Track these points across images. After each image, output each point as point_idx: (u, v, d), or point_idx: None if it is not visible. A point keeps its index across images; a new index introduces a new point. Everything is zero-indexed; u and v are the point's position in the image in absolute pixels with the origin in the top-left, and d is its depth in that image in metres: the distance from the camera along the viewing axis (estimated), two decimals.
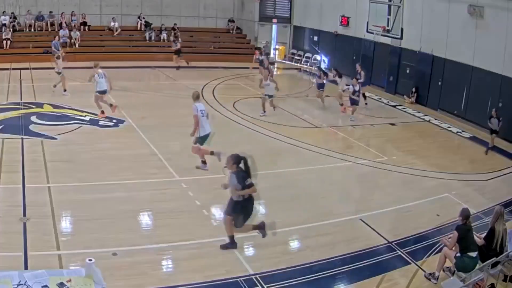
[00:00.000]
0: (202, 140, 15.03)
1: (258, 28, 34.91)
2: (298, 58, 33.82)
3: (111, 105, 20.22)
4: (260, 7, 34.47)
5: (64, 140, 17.38)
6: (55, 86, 23.01)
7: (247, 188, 10.21)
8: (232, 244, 10.77)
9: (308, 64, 33.17)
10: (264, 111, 21.73)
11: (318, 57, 32.79)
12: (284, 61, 34.12)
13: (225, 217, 10.78)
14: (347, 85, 23.09)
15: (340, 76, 24.09)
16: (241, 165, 10.41)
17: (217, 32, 35.39)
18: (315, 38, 33.04)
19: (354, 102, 22.07)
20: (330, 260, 10.63)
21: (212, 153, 15.11)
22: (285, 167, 16.23)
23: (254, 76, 27.05)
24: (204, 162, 15.36)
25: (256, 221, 10.92)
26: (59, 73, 23.15)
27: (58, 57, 23.26)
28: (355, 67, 24.37)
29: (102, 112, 19.97)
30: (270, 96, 21.92)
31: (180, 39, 31.97)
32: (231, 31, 35.64)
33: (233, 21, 35.64)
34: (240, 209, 10.46)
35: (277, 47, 34.89)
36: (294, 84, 30.10)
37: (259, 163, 15.34)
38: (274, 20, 34.60)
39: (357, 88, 21.72)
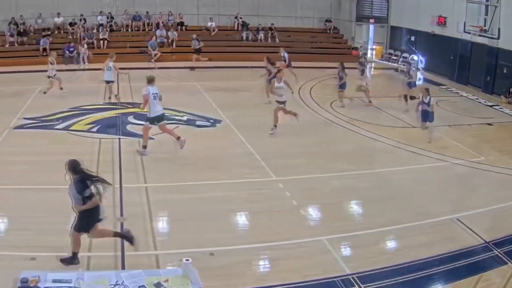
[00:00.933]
0: (152, 120, 16.24)
1: (355, 28, 34.87)
2: (395, 58, 33.60)
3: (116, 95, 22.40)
4: (357, 7, 34.66)
5: (160, 140, 17.60)
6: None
7: (88, 201, 9.67)
8: (73, 260, 10.16)
9: (401, 63, 32.70)
10: (275, 126, 18.66)
11: (415, 57, 32.50)
12: (381, 61, 33.73)
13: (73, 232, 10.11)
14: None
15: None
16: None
17: (314, 32, 35.43)
18: (412, 38, 32.90)
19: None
20: (427, 260, 10.52)
21: (178, 138, 16.31)
22: (381, 167, 16.21)
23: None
24: (144, 147, 16.27)
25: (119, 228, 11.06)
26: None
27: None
28: (452, 67, 23.77)
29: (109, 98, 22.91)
30: (282, 103, 18.68)
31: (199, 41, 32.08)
32: (328, 31, 35.55)
33: (330, 21, 35.73)
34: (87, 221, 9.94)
35: (374, 47, 34.58)
36: (391, 83, 29.65)
37: (356, 163, 15.45)
38: (371, 20, 34.54)
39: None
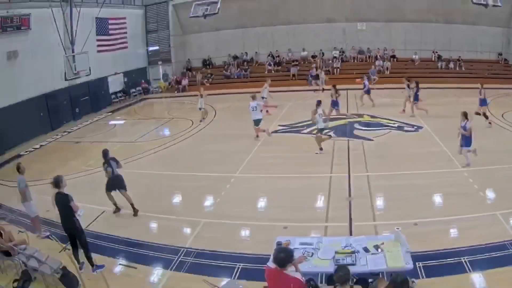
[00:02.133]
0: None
1: None
2: None
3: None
4: None
5: (378, 141, 17.89)
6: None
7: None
8: None
9: None
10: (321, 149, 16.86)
11: None
12: None
13: None
14: None
15: None
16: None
17: (490, 62, 32.68)
18: None
19: None
20: None
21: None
22: None
23: None
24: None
25: None
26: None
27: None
28: None
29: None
30: (322, 130, 17.11)
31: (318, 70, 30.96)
32: (500, 62, 32.61)
33: (501, 54, 32.72)
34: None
35: None
36: None
37: None
38: None
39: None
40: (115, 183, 12.33)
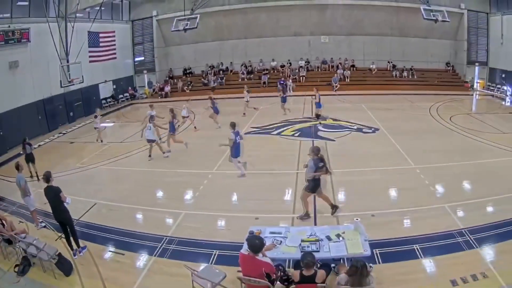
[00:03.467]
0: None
1: (466, 69, 32.48)
2: (492, 88, 30.19)
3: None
4: (467, 54, 32.16)
5: (339, 142, 17.96)
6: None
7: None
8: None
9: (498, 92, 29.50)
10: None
11: (505, 87, 29.13)
12: (484, 90, 30.77)
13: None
14: None
15: None
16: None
17: (439, 71, 33.49)
18: (503, 75, 29.32)
19: None
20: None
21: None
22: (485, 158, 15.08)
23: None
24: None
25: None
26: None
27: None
28: None
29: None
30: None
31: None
32: (448, 71, 33.44)
33: (449, 64, 33.47)
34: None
35: (478, 81, 31.96)
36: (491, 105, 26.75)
37: (470, 157, 14.48)
38: (476, 64, 31.64)
39: None
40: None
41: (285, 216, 11.04)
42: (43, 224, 11.53)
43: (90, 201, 12.80)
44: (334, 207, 10.95)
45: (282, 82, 32.52)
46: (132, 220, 11.65)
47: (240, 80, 35.15)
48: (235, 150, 13.86)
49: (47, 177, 9.58)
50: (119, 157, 17.67)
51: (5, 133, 20.89)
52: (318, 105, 22.03)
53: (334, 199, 11.72)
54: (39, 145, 21.39)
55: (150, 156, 16.92)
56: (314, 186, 10.49)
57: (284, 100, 24.17)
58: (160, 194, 13.55)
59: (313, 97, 22.20)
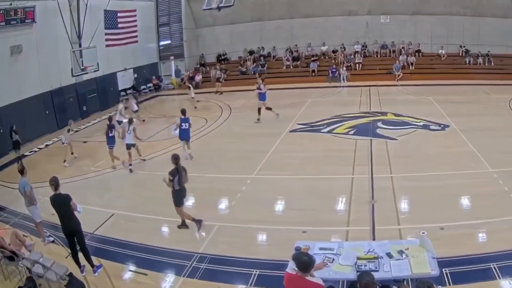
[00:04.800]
0: None
1: None
2: None
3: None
4: None
5: (402, 140, 17.79)
6: None
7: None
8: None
9: None
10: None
11: None
12: None
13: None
14: None
15: None
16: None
17: None
18: None
19: None
20: None
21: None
22: None
23: None
24: None
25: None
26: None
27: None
28: None
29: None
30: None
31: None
32: None
33: None
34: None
35: None
36: None
37: None
38: None
39: None
40: None
41: (338, 229, 11.01)
42: (51, 239, 11.37)
43: (106, 211, 12.78)
44: (183, 224, 11.54)
45: (334, 70, 32.46)
46: (156, 233, 11.67)
47: (284, 67, 35.23)
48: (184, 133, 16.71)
49: (56, 184, 9.30)
50: (142, 159, 17.81)
51: (6, 131, 20.12)
52: (262, 97, 21.72)
53: (396, 208, 11.69)
54: (46, 145, 21.40)
55: (130, 165, 16.76)
56: (176, 198, 11.16)
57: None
58: (189, 202, 13.22)
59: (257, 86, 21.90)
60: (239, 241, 10.87)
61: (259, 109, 21.94)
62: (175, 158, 11.16)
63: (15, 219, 12.94)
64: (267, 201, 13.05)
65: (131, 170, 16.53)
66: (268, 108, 21.82)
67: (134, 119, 18.50)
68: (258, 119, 21.80)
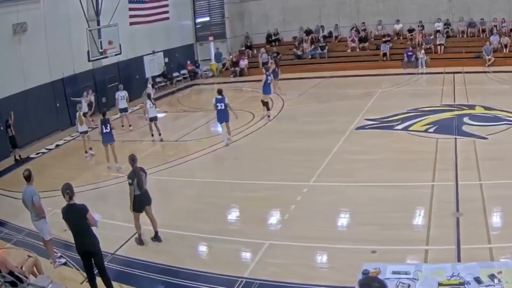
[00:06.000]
0: None
1: None
2: None
3: None
4: None
5: (495, 139, 17.33)
6: None
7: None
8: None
9: None
10: None
11: None
12: None
13: None
14: None
15: None
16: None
17: None
18: None
19: None
20: None
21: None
22: None
23: None
24: None
25: None
26: None
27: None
28: None
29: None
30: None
31: None
32: None
33: None
34: None
35: None
36: None
37: None
38: None
39: None
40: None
41: (415, 248, 10.79)
42: (63, 260, 11.22)
43: (130, 227, 12.50)
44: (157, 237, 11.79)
45: (410, 53, 32.10)
46: (191, 254, 11.59)
47: (349, 50, 35.22)
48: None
49: (70, 192, 9.03)
50: (171, 162, 17.92)
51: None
52: (267, 89, 22.21)
53: (486, 223, 11.38)
54: (57, 145, 21.26)
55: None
56: (136, 205, 11.44)
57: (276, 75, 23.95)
58: (231, 216, 13.44)
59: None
60: (293, 263, 10.78)
61: (267, 103, 22.52)
62: (132, 159, 11.28)
63: (19, 235, 12.84)
64: (328, 214, 12.92)
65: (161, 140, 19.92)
66: (264, 104, 22.24)
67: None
68: (268, 116, 22.21)
